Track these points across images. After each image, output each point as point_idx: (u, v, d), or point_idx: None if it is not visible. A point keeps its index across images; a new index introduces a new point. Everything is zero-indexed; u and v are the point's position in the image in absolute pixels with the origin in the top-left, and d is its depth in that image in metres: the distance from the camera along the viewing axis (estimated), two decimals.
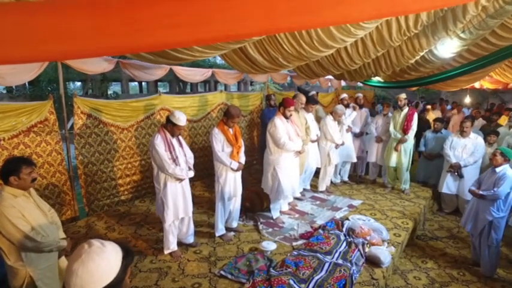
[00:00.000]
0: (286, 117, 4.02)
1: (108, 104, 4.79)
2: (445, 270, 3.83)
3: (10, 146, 3.86)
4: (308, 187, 5.29)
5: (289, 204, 4.61)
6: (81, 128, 4.44)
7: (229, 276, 3.04)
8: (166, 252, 3.41)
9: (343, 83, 9.94)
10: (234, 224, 3.96)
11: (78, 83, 18.00)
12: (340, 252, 3.32)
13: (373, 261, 3.26)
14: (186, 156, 3.30)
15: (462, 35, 5.27)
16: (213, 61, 19.39)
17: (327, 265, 3.07)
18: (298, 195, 4.91)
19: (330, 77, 8.60)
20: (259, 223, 4.10)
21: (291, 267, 3.01)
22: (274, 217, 4.20)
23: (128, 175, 5.05)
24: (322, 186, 5.20)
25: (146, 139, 5.20)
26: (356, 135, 5.84)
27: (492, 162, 3.66)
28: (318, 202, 4.87)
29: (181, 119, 3.11)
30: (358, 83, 9.80)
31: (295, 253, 3.35)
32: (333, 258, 3.22)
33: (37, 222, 2.44)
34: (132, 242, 3.72)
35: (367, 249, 3.39)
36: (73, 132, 4.42)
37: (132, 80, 21.56)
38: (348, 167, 5.78)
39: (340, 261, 3.16)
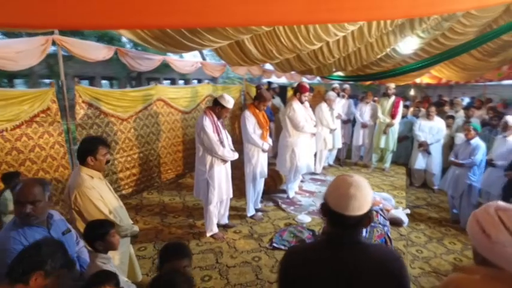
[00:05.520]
0: (302, 102, 4.33)
1: (109, 93, 4.53)
2: (435, 229, 4.54)
3: (13, 137, 3.47)
4: None
5: None
6: (82, 118, 4.13)
7: (283, 247, 3.24)
8: (208, 234, 3.44)
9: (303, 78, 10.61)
10: (259, 205, 4.13)
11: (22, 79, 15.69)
12: None
13: (395, 223, 3.77)
14: (228, 138, 3.38)
15: (421, 34, 6.21)
16: None
17: None
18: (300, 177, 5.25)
19: (293, 72, 9.17)
20: (280, 203, 4.33)
21: None
22: (290, 196, 4.48)
23: (128, 168, 4.80)
24: (319, 169, 5.64)
25: (144, 130, 5.02)
26: (344, 122, 6.43)
27: (467, 136, 4.45)
28: (319, 182, 5.29)
29: (230, 102, 3.20)
30: (317, 78, 10.57)
31: None
32: None
33: (112, 205, 2.37)
34: (164, 230, 3.64)
35: (386, 214, 3.88)
36: (74, 123, 4.09)
37: (78, 76, 19.74)
38: (334, 152, 6.31)
39: (371, 224, 3.59)
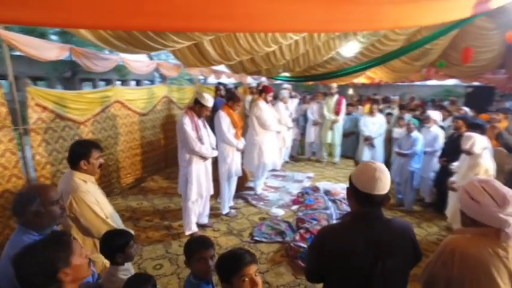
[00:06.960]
0: (266, 102, 4.54)
1: (63, 94, 4.21)
2: (385, 213, 5.09)
3: None
4: None
5: None
6: (36, 122, 3.80)
7: (264, 240, 3.40)
8: (187, 233, 3.45)
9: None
10: (232, 202, 4.24)
11: None
12: (333, 207, 4.11)
13: None
14: (209, 137, 3.43)
15: (362, 39, 6.89)
16: None
17: (333, 215, 3.81)
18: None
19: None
20: (250, 199, 4.48)
21: (312, 221, 3.61)
22: (258, 192, 4.67)
23: None
24: (279, 165, 5.91)
25: (102, 134, 4.76)
26: (293, 120, 6.80)
27: (407, 129, 5.11)
28: (280, 178, 5.56)
29: (209, 100, 3.27)
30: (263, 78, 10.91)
31: (301, 213, 3.95)
32: (331, 211, 3.97)
33: (107, 209, 2.31)
34: (141, 234, 3.54)
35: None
36: (27, 128, 3.73)
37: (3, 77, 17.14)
38: (289, 149, 6.66)
39: (338, 211, 3.95)
